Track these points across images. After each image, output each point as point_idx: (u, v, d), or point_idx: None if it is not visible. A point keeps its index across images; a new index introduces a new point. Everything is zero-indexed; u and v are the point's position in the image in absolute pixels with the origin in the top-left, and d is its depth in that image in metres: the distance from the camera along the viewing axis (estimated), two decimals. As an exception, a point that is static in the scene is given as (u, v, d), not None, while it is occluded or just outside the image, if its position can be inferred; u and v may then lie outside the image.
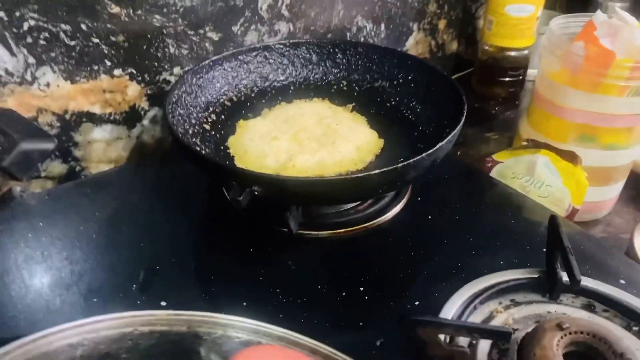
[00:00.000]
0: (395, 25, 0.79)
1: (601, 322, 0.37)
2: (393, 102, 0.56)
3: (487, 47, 0.84)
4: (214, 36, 0.59)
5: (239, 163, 0.47)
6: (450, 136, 0.41)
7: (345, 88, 0.58)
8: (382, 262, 0.45)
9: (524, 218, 0.49)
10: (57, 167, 0.54)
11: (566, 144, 0.56)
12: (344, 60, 0.59)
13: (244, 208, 0.39)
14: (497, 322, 0.37)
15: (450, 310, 0.37)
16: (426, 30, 0.85)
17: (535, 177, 0.52)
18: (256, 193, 0.37)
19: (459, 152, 0.69)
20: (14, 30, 0.46)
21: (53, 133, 0.52)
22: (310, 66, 0.59)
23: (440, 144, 0.40)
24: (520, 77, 0.86)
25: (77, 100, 0.52)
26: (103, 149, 0.56)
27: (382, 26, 0.77)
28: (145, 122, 0.58)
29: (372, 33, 0.77)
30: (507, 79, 0.86)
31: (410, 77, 0.55)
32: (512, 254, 0.44)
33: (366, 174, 0.37)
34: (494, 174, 0.55)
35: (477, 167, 0.57)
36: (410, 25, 0.82)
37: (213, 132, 0.51)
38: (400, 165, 0.38)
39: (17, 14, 0.45)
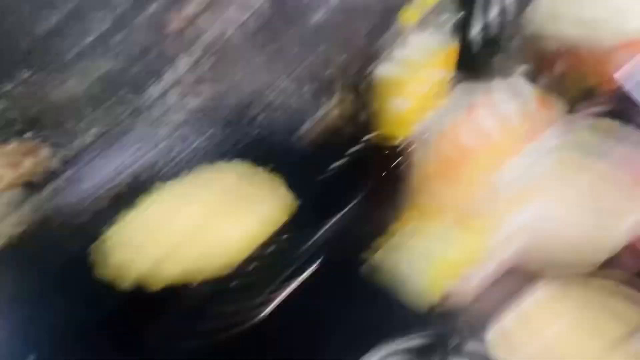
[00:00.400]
0: (303, 100, 0.86)
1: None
2: None
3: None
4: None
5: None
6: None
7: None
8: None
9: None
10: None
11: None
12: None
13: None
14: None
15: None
16: (329, 111, 0.92)
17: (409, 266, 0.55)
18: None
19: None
20: None
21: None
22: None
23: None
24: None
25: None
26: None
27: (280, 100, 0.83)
28: (59, 182, 0.57)
29: (271, 110, 0.82)
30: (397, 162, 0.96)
31: None
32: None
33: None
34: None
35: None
36: (318, 101, 0.89)
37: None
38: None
39: None
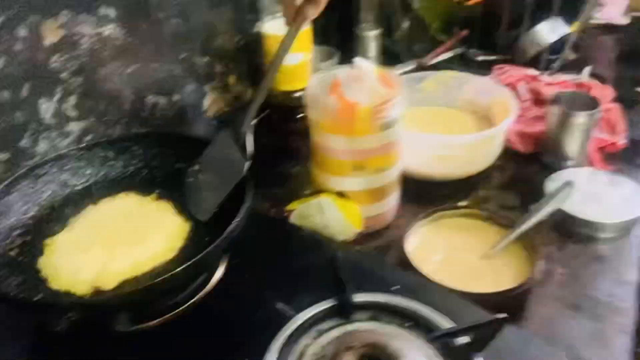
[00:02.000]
0: (187, 93, 0.85)
1: (383, 329, 0.48)
2: None
3: (274, 93, 0.95)
4: (2, 156, 0.60)
5: (53, 283, 0.49)
6: (236, 221, 0.49)
7: (147, 176, 0.63)
8: (211, 333, 0.51)
9: (322, 254, 0.59)
10: None
11: (345, 176, 0.68)
12: (140, 151, 0.64)
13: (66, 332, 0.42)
14: (308, 356, 0.46)
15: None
16: (218, 88, 0.92)
17: (326, 216, 0.63)
18: (72, 319, 0.40)
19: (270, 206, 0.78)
20: None
21: None
22: (109, 162, 0.63)
23: (228, 230, 0.48)
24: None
25: None
26: None
27: (175, 96, 0.83)
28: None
29: (166, 106, 0.82)
30: (299, 116, 0.98)
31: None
32: (317, 289, 0.54)
33: (168, 275, 0.43)
34: (294, 219, 0.64)
35: (281, 214, 0.67)
36: (202, 88, 0.89)
37: (21, 258, 0.52)
38: (196, 259, 0.45)
39: None
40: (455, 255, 0.65)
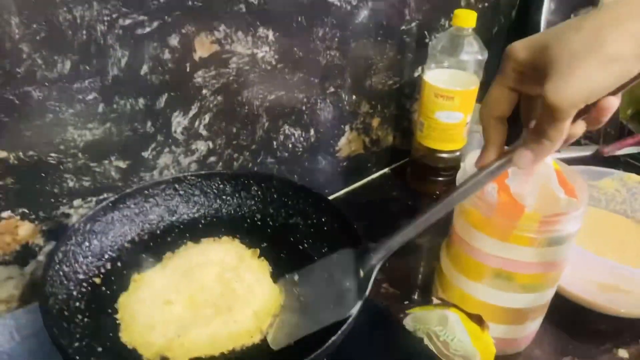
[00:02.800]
0: (325, 129, 0.78)
1: None
2: (305, 245, 0.54)
3: (419, 147, 0.84)
4: (122, 164, 0.56)
5: (124, 333, 0.43)
6: (340, 332, 0.39)
7: (259, 222, 0.56)
8: None
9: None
10: None
11: (481, 284, 0.55)
12: (259, 193, 0.57)
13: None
14: None
15: None
16: (359, 129, 0.84)
17: (448, 329, 0.50)
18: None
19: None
20: None
21: None
22: (223, 197, 0.57)
23: (331, 340, 0.38)
24: (453, 177, 0.86)
25: (-43, 250, 0.48)
26: (-10, 291, 0.52)
27: (312, 131, 0.76)
28: (41, 257, 0.54)
29: (301, 139, 0.75)
30: (440, 178, 0.86)
31: (323, 220, 0.53)
32: None
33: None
34: (408, 321, 0.53)
35: (394, 314, 0.55)
36: (342, 127, 0.81)
37: (103, 288, 0.47)
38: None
39: None
40: None
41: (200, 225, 0.55)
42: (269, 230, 0.55)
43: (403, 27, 0.81)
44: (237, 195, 0.57)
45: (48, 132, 0.49)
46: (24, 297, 0.54)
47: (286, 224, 0.55)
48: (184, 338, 0.42)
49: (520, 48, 0.37)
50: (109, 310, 0.46)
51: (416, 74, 0.88)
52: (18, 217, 0.51)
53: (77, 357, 0.39)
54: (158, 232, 0.53)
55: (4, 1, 0.42)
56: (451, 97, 0.77)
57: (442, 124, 0.79)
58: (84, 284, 0.47)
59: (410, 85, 0.88)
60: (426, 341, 0.52)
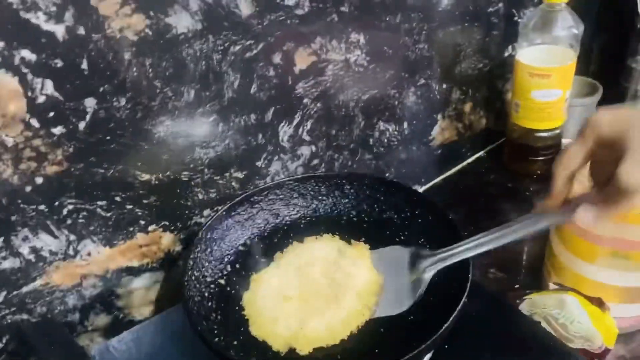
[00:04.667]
0: (418, 120, 0.80)
1: None
2: (402, 237, 0.56)
3: (515, 127, 0.83)
4: (240, 175, 0.62)
5: (253, 327, 0.48)
6: (446, 324, 0.42)
7: (355, 219, 0.60)
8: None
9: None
10: (102, 319, 0.58)
11: (598, 265, 0.54)
12: (352, 191, 0.60)
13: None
14: None
15: None
16: (451, 116, 0.84)
17: (566, 312, 0.51)
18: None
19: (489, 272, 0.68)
20: (55, 217, 0.50)
21: (96, 292, 0.56)
22: (319, 197, 0.61)
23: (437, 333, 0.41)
24: (553, 155, 0.84)
25: (116, 260, 0.56)
26: (143, 294, 0.60)
27: (405, 124, 0.78)
28: (181, 261, 0.62)
29: (395, 133, 0.77)
30: (540, 158, 0.84)
31: (417, 213, 0.56)
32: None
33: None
34: (524, 306, 0.54)
35: (506, 297, 0.56)
36: (435, 116, 0.82)
37: (228, 289, 0.53)
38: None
39: (57, 203, 0.50)
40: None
41: (301, 225, 0.59)
42: (364, 226, 0.59)
43: (490, 9, 0.80)
44: (331, 195, 0.61)
45: (180, 153, 0.56)
46: (170, 298, 0.62)
47: (380, 218, 0.58)
48: (305, 329, 0.46)
49: (605, 123, 0.39)
50: (236, 308, 0.51)
51: (506, 54, 0.87)
52: (161, 229, 0.58)
53: (223, 352, 0.45)
54: (265, 234, 0.58)
55: (141, 47, 0.48)
56: (548, 75, 0.75)
57: (540, 103, 0.78)
58: (212, 286, 0.53)
59: (501, 66, 0.87)
60: (544, 324, 0.52)
